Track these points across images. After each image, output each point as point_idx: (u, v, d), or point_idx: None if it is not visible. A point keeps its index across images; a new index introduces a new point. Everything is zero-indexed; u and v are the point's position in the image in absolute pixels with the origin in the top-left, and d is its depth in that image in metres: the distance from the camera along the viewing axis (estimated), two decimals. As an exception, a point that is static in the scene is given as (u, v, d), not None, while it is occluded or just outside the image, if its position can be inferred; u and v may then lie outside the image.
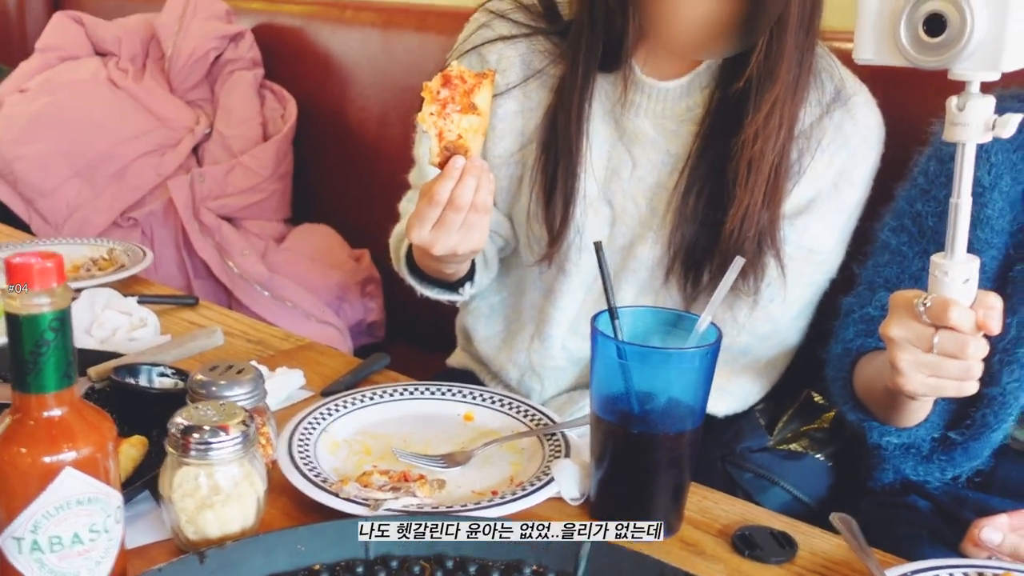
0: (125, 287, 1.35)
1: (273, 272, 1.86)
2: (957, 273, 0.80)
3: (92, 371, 0.98)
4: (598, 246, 0.84)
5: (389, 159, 1.89)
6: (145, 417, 0.89)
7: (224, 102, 2.07)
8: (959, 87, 0.79)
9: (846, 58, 1.12)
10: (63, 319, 0.61)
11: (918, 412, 0.98)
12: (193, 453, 0.71)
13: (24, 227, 1.91)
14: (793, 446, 1.14)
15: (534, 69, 1.15)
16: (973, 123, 0.78)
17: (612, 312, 0.81)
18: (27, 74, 2.07)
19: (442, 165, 0.93)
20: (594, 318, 0.80)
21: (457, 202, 0.93)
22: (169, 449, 0.72)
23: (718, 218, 1.08)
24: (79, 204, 1.86)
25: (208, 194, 1.91)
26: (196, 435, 0.71)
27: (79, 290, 1.25)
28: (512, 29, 1.15)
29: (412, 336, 1.97)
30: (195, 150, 2.04)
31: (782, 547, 0.78)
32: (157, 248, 1.89)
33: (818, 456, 1.14)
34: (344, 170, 2.08)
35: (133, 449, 0.84)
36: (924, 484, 1.08)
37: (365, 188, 2.01)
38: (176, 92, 2.09)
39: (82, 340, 1.16)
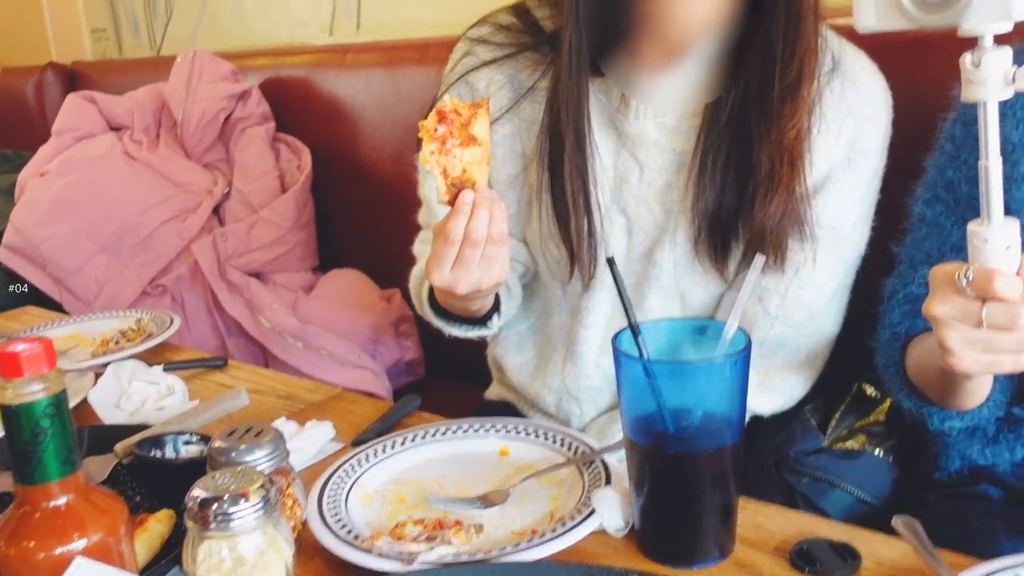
0: (155, 355, 1.35)
1: (305, 323, 1.85)
2: (997, 239, 0.75)
3: (118, 447, 0.96)
4: (610, 262, 0.80)
5: (407, 195, 1.86)
6: (174, 489, 0.87)
7: (239, 160, 2.08)
8: (974, 44, 0.74)
9: (840, 31, 1.08)
10: (58, 404, 0.59)
11: (978, 392, 0.92)
12: (213, 525, 0.68)
13: (57, 307, 1.93)
14: (850, 443, 1.08)
15: (524, 87, 1.12)
16: (991, 79, 0.73)
17: (634, 329, 0.77)
18: (46, 157, 2.10)
19: (451, 202, 0.90)
20: (615, 338, 0.76)
21: (473, 237, 0.91)
22: (189, 523, 0.69)
23: (740, 185, 1.04)
24: (107, 278, 1.88)
25: (233, 252, 1.91)
26: (215, 506, 0.68)
27: (106, 364, 1.24)
28: (495, 52, 1.13)
29: (453, 370, 1.94)
30: (216, 211, 2.05)
31: (844, 560, 0.72)
32: (188, 312, 1.90)
33: (877, 452, 1.08)
34: (365, 212, 2.07)
35: (160, 525, 0.82)
36: (993, 468, 1.01)
37: (388, 227, 2.00)
38: (192, 156, 2.10)
39: (111, 415, 1.15)
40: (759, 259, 0.77)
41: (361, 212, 2.07)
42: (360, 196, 2.05)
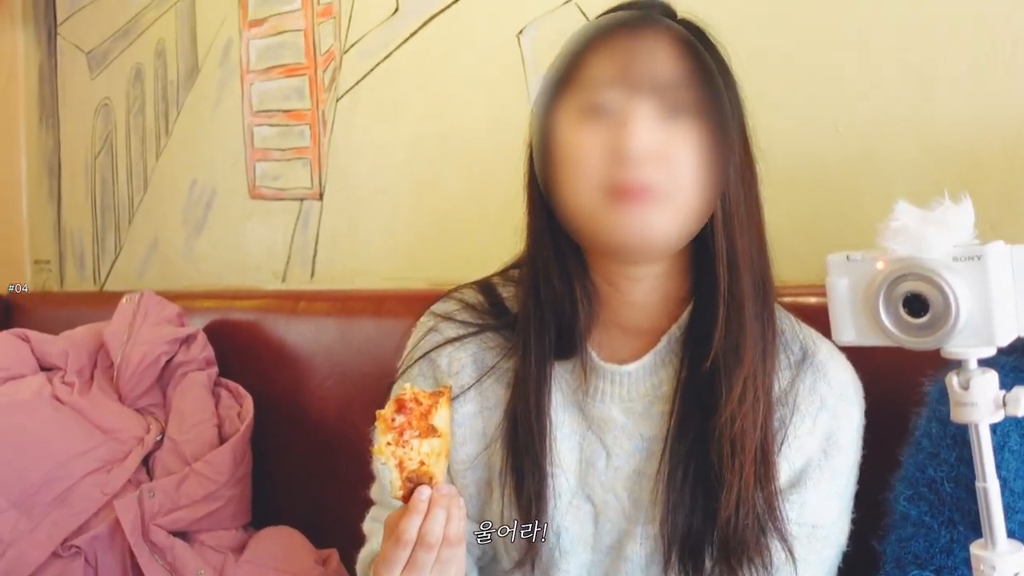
0: (58, 641, 1.19)
1: (232, 591, 1.69)
2: (1005, 567, 0.71)
3: None
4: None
5: (352, 451, 1.79)
6: None
7: (176, 406, 1.98)
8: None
9: (803, 311, 1.09)
10: None
11: None
12: None
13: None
14: None
15: (487, 367, 1.09)
16: (981, 402, 0.71)
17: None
18: (-31, 397, 1.97)
19: (406, 498, 0.84)
20: None
21: (427, 539, 0.84)
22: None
23: (710, 501, 0.99)
24: (14, 539, 1.70)
25: (159, 510, 1.77)
26: None
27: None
28: (460, 330, 1.11)
29: (390, 645, 1.77)
30: (146, 461, 1.91)
31: None
32: (102, 577, 1.72)
33: None
34: (306, 465, 1.96)
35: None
36: None
37: (329, 482, 1.89)
38: (125, 400, 2.00)
39: None
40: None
41: (301, 466, 1.96)
42: (301, 448, 1.96)
